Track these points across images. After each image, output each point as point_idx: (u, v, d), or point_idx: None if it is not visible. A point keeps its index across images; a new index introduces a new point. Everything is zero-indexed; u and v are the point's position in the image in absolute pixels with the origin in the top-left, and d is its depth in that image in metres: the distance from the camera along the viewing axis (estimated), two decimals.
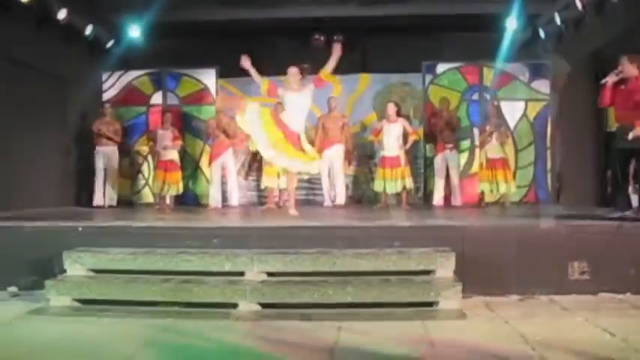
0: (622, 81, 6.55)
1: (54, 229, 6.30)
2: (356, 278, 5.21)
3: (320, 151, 10.06)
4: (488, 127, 10.07)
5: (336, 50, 7.62)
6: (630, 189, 6.76)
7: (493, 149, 10.01)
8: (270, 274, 5.36)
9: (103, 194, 10.68)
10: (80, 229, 6.17)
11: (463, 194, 10.41)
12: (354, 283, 5.10)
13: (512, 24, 10.68)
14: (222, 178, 10.44)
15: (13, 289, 5.94)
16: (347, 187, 10.82)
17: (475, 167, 11.00)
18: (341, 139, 10.13)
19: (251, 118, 7.35)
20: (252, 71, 7.56)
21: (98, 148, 10.64)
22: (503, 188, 9.96)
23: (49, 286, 5.29)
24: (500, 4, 10.20)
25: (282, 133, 7.43)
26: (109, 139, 10.60)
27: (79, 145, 11.01)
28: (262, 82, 7.65)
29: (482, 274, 5.54)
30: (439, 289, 5.03)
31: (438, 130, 10.36)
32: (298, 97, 7.66)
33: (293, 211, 7.74)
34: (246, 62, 7.50)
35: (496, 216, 7.75)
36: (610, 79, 6.57)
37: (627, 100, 6.45)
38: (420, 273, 5.32)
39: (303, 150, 7.57)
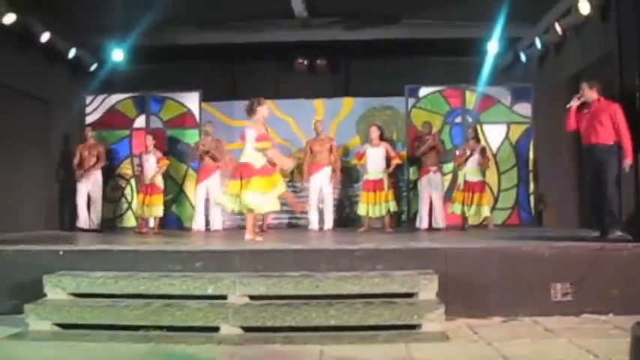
0: (585, 105, 6.75)
1: (35, 252, 6.22)
2: (339, 301, 5.18)
3: (308, 175, 10.11)
4: (464, 150, 10.17)
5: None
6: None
7: (471, 172, 10.09)
8: (252, 297, 5.32)
9: (87, 217, 10.60)
10: (61, 252, 6.10)
11: (446, 217, 10.41)
12: (337, 306, 5.07)
13: (493, 48, 10.83)
14: (206, 201, 10.41)
15: None
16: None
17: None
18: (329, 161, 10.14)
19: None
20: None
21: (81, 172, 10.56)
22: (473, 211, 10.03)
23: (29, 310, 5.20)
24: (481, 29, 10.34)
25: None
26: (93, 166, 10.52)
27: (62, 168, 10.94)
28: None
29: (465, 296, 5.55)
30: (422, 311, 5.01)
31: (422, 153, 10.37)
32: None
33: (248, 236, 7.30)
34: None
35: (479, 238, 7.75)
36: (573, 104, 6.77)
37: (590, 123, 6.64)
38: (403, 295, 5.30)
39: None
